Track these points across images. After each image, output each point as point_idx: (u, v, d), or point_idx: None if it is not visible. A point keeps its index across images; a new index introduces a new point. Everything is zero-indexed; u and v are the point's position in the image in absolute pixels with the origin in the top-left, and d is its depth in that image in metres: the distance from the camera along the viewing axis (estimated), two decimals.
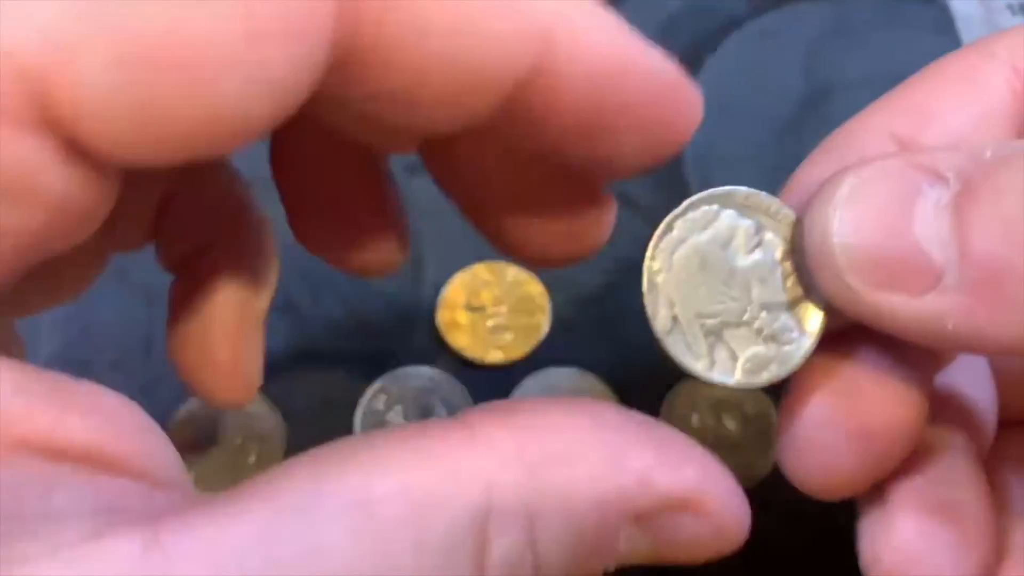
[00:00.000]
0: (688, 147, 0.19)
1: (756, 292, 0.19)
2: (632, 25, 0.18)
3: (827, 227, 0.18)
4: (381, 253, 0.24)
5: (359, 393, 0.36)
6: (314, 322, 0.38)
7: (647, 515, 0.16)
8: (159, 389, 0.35)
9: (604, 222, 0.21)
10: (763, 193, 0.20)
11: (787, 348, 0.19)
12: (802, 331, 0.19)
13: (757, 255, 0.20)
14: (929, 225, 0.16)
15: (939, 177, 0.17)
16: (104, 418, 0.16)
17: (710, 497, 0.17)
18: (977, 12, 0.46)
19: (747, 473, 0.34)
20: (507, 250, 0.22)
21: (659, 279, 0.20)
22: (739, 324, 0.19)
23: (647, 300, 0.20)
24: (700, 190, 0.20)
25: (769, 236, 0.20)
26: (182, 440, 0.35)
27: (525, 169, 0.20)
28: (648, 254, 0.20)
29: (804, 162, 0.21)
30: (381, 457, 0.15)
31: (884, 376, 0.19)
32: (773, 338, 0.19)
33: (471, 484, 0.15)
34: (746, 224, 0.20)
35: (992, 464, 0.23)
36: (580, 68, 0.16)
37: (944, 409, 0.22)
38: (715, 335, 0.20)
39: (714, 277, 0.20)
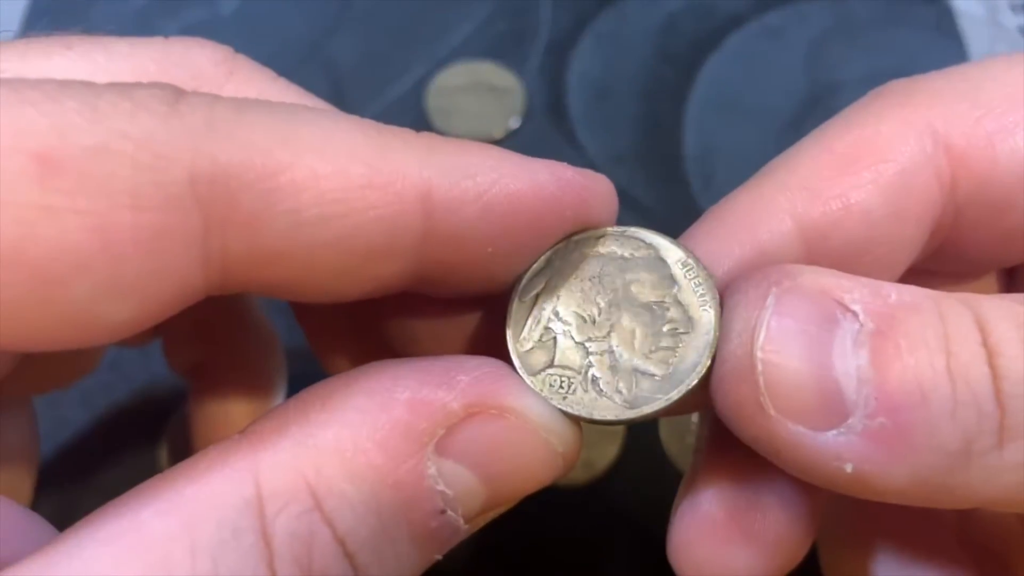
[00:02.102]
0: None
1: (617, 336, 0.18)
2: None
3: (751, 339, 0.17)
4: None
5: None
6: None
7: (445, 441, 0.16)
8: (159, 389, 0.35)
9: None
10: (704, 270, 0.18)
11: (599, 399, 0.18)
12: (622, 398, 0.18)
13: (645, 311, 0.19)
14: (847, 361, 0.16)
15: (847, 310, 0.16)
16: None
17: (496, 395, 0.17)
18: (979, 11, 0.46)
19: None
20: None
21: (557, 262, 0.19)
22: (577, 344, 0.19)
23: (535, 265, 0.19)
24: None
25: (674, 307, 0.18)
26: (181, 440, 0.35)
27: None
28: (576, 235, 0.19)
29: (696, 227, 0.20)
30: (152, 487, 0.16)
31: (785, 488, 0.19)
32: (594, 382, 0.18)
33: (237, 479, 0.15)
34: (665, 282, 0.19)
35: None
36: (470, 210, 0.17)
37: None
38: (554, 334, 0.19)
39: (596, 293, 0.19)
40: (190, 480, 0.15)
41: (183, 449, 0.34)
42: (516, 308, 0.19)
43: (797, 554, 0.19)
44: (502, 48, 0.45)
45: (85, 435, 0.35)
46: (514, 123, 0.43)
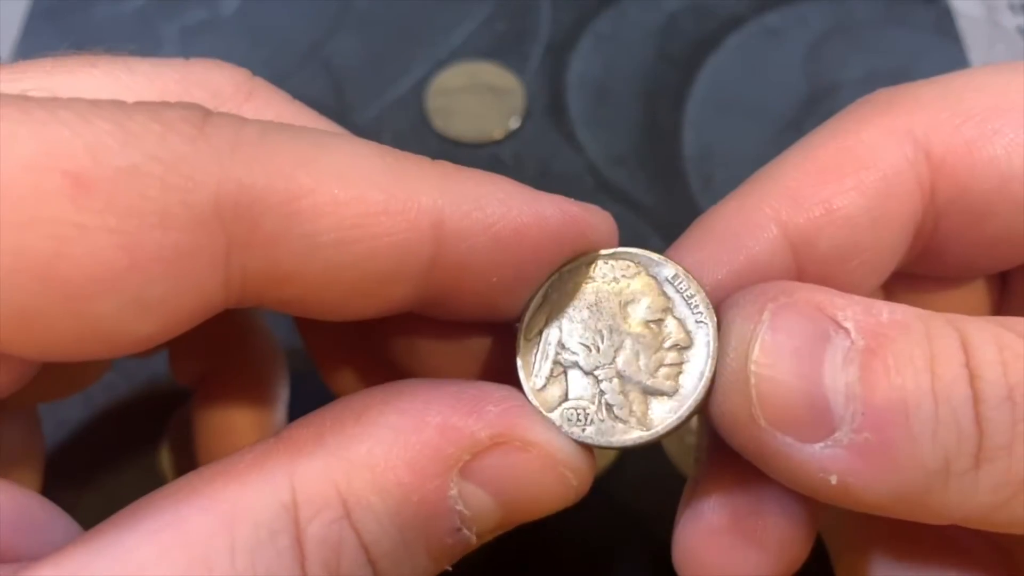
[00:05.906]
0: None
1: (622, 359, 0.19)
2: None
3: (745, 353, 0.17)
4: None
5: None
6: None
7: (469, 465, 0.17)
8: (159, 389, 0.35)
9: None
10: (695, 282, 0.19)
11: (615, 424, 0.19)
12: (637, 420, 0.19)
13: (645, 331, 0.19)
14: (837, 376, 0.17)
15: (840, 326, 0.17)
16: None
17: (521, 429, 0.18)
18: (978, 11, 0.46)
19: None
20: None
21: (554, 295, 0.20)
22: (587, 373, 0.19)
23: (534, 301, 0.20)
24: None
25: (672, 324, 0.19)
26: (182, 440, 0.35)
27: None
28: (558, 269, 0.20)
29: (685, 238, 0.20)
30: (189, 484, 0.16)
31: (784, 493, 0.19)
32: (608, 409, 0.19)
33: (275, 484, 0.16)
34: (659, 300, 0.19)
35: None
36: (479, 240, 0.18)
37: None
38: (563, 368, 0.19)
39: (596, 321, 0.19)
40: (229, 480, 0.16)
41: (184, 449, 0.34)
42: (523, 347, 0.20)
43: (799, 556, 0.19)
44: (502, 48, 0.45)
45: (85, 435, 0.35)
46: (514, 123, 0.43)
